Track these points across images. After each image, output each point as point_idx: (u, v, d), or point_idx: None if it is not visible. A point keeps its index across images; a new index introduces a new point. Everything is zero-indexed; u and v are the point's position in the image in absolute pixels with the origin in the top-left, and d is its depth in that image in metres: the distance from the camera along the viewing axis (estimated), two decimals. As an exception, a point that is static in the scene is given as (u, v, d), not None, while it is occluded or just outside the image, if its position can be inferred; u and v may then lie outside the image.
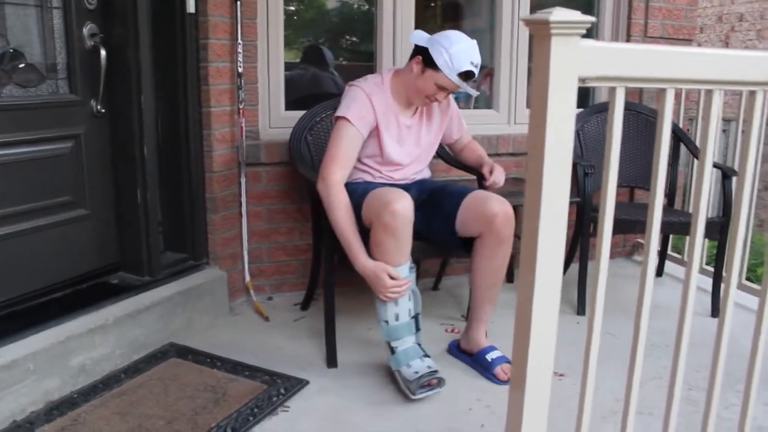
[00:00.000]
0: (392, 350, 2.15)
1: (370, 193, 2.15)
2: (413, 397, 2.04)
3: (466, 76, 2.21)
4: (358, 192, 2.21)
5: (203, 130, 2.64)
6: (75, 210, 2.34)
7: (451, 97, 2.49)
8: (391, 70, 2.41)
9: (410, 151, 2.40)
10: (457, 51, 2.18)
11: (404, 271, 2.10)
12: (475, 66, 2.21)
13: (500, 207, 2.17)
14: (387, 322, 2.13)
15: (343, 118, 2.23)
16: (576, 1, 3.87)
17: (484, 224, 2.19)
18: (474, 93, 2.34)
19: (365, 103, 2.26)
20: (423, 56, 2.23)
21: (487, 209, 2.18)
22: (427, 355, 2.16)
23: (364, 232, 2.14)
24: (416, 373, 2.07)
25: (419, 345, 2.17)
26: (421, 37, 2.27)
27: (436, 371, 2.08)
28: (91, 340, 2.13)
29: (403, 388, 2.09)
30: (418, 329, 2.18)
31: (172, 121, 2.58)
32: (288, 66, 2.95)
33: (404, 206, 2.02)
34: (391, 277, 2.07)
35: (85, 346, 2.11)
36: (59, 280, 2.32)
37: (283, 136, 2.79)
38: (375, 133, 2.30)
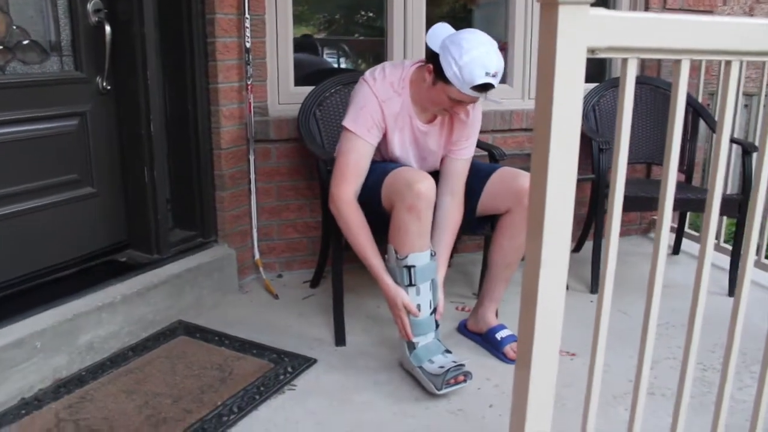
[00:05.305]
0: (412, 346, 2.04)
1: (390, 174, 2.03)
2: (438, 392, 1.94)
3: (483, 88, 1.95)
4: (376, 172, 2.10)
5: (211, 107, 2.60)
6: (82, 188, 2.33)
7: (478, 113, 2.25)
8: (416, 64, 2.14)
9: (424, 156, 2.23)
10: (469, 61, 1.89)
11: (426, 257, 2.00)
12: (493, 75, 1.92)
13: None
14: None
15: (351, 130, 2.08)
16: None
17: (513, 200, 2.13)
18: (498, 102, 2.11)
19: (375, 112, 2.07)
20: (435, 64, 1.98)
21: (517, 185, 2.13)
22: (449, 351, 2.07)
23: (382, 215, 2.05)
24: (441, 368, 1.97)
25: (439, 340, 2.09)
26: (435, 38, 2.00)
27: (462, 365, 1.98)
28: (98, 317, 2.12)
29: (426, 383, 1.98)
30: (437, 325, 2.09)
31: (179, 98, 2.55)
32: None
33: (428, 186, 1.94)
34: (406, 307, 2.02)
35: (92, 324, 2.10)
36: (67, 259, 2.32)
37: (292, 112, 2.75)
38: (384, 134, 2.15)
